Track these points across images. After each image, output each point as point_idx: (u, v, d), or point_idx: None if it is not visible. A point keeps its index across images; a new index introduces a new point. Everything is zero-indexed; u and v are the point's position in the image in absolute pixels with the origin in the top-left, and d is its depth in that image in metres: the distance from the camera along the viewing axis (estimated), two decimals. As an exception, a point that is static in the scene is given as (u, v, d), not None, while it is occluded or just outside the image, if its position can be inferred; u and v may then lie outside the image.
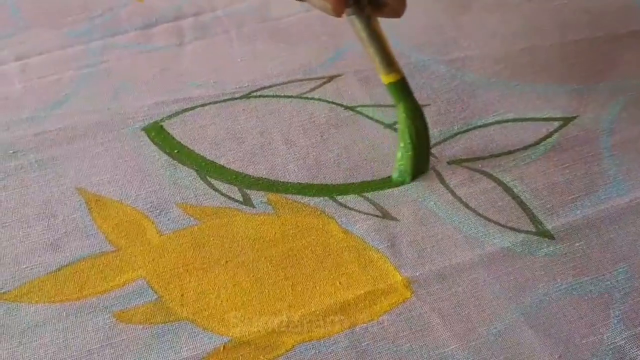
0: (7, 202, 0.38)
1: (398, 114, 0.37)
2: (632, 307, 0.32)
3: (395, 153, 0.38)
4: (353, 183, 0.38)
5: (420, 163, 0.38)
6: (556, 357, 0.31)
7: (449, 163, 0.39)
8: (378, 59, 0.35)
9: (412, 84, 0.42)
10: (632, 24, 0.46)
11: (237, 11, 0.50)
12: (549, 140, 0.39)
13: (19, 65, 0.46)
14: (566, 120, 0.40)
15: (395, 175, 0.38)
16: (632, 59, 0.44)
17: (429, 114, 0.41)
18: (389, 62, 0.35)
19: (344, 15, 0.35)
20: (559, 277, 0.33)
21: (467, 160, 0.39)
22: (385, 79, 0.36)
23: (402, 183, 0.38)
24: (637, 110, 0.40)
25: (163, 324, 0.33)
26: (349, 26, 0.47)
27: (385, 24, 0.46)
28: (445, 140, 0.40)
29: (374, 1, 0.35)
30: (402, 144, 0.37)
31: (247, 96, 0.43)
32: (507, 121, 0.41)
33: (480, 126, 0.40)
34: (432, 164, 0.38)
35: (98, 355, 0.32)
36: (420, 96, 0.42)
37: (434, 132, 0.40)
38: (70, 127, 0.42)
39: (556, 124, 0.40)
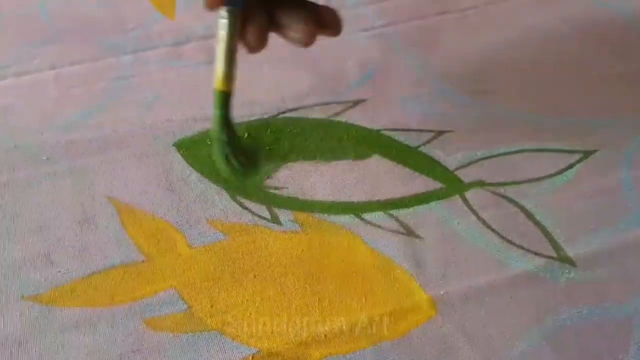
0: (40, 207, 0.39)
1: (212, 121, 0.37)
2: (651, 336, 0.33)
3: None
4: (378, 200, 0.39)
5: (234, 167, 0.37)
6: (577, 380, 0.32)
7: (472, 186, 0.40)
8: (223, 66, 0.37)
9: (437, 110, 0.43)
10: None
11: (265, 33, 0.51)
12: (570, 171, 0.40)
13: (53, 73, 0.47)
14: (587, 153, 0.41)
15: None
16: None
17: (452, 140, 0.42)
18: (230, 74, 0.37)
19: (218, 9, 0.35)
20: (580, 302, 0.34)
21: (490, 184, 0.40)
22: (221, 85, 0.37)
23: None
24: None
25: (192, 333, 0.34)
26: (375, 52, 0.49)
27: (418, 51, 0.48)
28: (468, 164, 0.41)
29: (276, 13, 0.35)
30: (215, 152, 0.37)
31: (275, 117, 0.44)
32: (528, 151, 0.42)
33: (502, 154, 0.41)
34: (455, 186, 0.39)
35: (129, 360, 0.33)
36: (444, 122, 0.43)
37: (457, 156, 0.41)
38: (102, 137, 0.43)
39: (577, 156, 0.41)
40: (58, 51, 0.49)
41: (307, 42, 0.36)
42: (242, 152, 0.37)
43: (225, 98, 0.37)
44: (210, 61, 0.48)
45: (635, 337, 0.33)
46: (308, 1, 0.36)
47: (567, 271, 0.36)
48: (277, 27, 0.36)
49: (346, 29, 0.50)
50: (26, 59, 0.48)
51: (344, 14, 0.51)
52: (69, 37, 0.50)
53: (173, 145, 0.42)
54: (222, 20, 0.36)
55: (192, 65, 0.48)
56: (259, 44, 0.37)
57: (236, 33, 0.36)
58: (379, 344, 0.33)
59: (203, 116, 0.44)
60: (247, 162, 0.37)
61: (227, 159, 0.37)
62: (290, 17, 0.36)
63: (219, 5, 0.35)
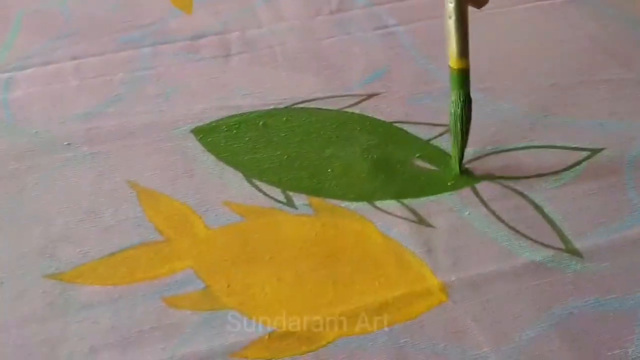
0: (62, 191, 0.40)
1: (452, 100, 0.39)
2: (654, 326, 0.34)
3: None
4: (391, 189, 0.40)
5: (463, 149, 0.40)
6: (583, 364, 0.33)
7: (483, 178, 0.41)
8: (456, 44, 0.38)
9: (447, 105, 0.44)
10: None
11: (281, 29, 0.52)
12: (577, 167, 0.41)
13: (74, 64, 0.48)
14: (594, 152, 0.42)
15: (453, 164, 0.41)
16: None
17: (464, 135, 0.43)
18: (464, 49, 0.38)
19: None
20: (587, 293, 0.35)
21: (500, 177, 0.41)
22: (455, 63, 0.39)
23: (454, 172, 0.41)
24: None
25: (211, 311, 0.35)
26: (387, 50, 0.50)
27: (430, 51, 0.49)
28: (478, 158, 0.42)
29: None
30: (453, 133, 0.40)
31: (290, 107, 0.45)
32: (537, 147, 0.43)
33: (511, 149, 0.43)
34: (466, 179, 0.41)
35: (148, 336, 0.34)
36: (455, 118, 0.44)
37: (469, 151, 0.42)
38: (122, 124, 0.44)
39: (584, 153, 0.42)
40: (78, 44, 0.50)
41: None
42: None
43: (464, 75, 0.39)
44: (227, 54, 0.50)
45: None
46: None
47: (574, 263, 0.37)
48: None
49: (359, 27, 0.52)
50: (48, 50, 0.50)
51: (357, 13, 0.54)
52: (88, 31, 0.52)
53: (191, 132, 0.43)
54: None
55: (208, 59, 0.49)
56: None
57: (465, 9, 0.38)
58: (392, 325, 0.34)
59: (219, 106, 0.45)
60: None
61: (463, 136, 0.40)
62: None
63: None
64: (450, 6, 0.38)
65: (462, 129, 0.40)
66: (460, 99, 0.39)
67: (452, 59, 0.39)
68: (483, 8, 0.40)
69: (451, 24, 0.38)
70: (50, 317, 0.34)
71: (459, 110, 0.39)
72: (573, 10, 0.53)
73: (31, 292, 0.35)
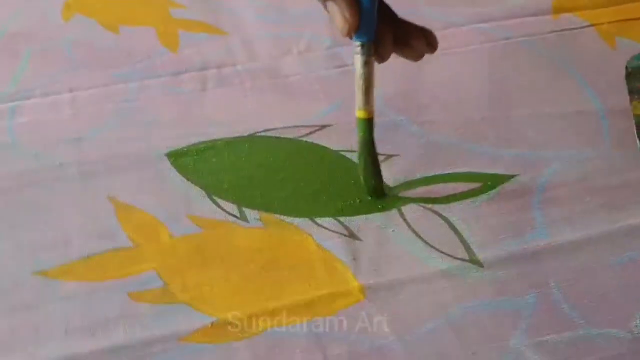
0: (52, 204, 0.48)
1: (358, 145, 0.46)
2: (534, 324, 0.41)
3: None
4: (330, 208, 0.47)
5: (373, 185, 0.47)
6: (470, 353, 0.39)
7: (408, 202, 0.48)
8: (360, 94, 0.43)
9: (388, 137, 0.51)
10: (579, 104, 0.55)
11: (253, 68, 0.59)
12: (492, 191, 0.48)
13: (70, 96, 0.56)
14: (508, 177, 0.49)
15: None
16: (573, 134, 0.53)
17: (398, 163, 0.50)
18: (367, 100, 0.44)
19: (351, 38, 0.41)
20: (482, 295, 0.42)
21: (424, 201, 0.48)
22: (360, 114, 0.44)
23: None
24: (566, 175, 0.49)
25: (166, 304, 0.42)
26: (344, 86, 0.57)
27: (381, 87, 0.56)
28: (408, 183, 0.49)
29: (399, 39, 0.42)
30: (359, 168, 0.47)
31: (252, 136, 0.53)
32: (460, 174, 0.50)
33: (438, 176, 0.49)
34: (395, 202, 0.48)
35: (114, 322, 0.41)
36: (392, 148, 0.51)
37: (400, 178, 0.49)
38: (107, 148, 0.51)
39: (500, 179, 0.49)
40: (76, 78, 0.58)
41: (420, 58, 0.44)
42: (378, 172, 0.47)
43: (368, 123, 0.45)
44: (204, 89, 0.57)
45: (522, 325, 0.41)
46: (414, 24, 0.44)
47: (474, 270, 0.43)
48: (399, 46, 0.43)
49: (321, 65, 0.60)
50: (49, 83, 0.57)
51: (321, 53, 0.61)
52: (86, 66, 0.59)
53: (165, 155, 0.51)
54: (356, 55, 0.42)
55: (188, 92, 0.57)
56: (387, 58, 0.44)
57: (371, 63, 0.42)
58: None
59: (192, 133, 0.52)
60: (379, 180, 0.47)
61: (368, 175, 0.47)
62: (411, 38, 0.43)
63: (351, 36, 0.41)
64: (359, 70, 0.42)
65: (372, 167, 0.47)
66: (363, 145, 0.46)
67: (357, 109, 0.44)
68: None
69: (360, 82, 0.43)
70: (34, 306, 0.42)
71: (365, 154, 0.46)
72: (512, 51, 0.60)
73: (20, 286, 0.43)
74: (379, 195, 0.48)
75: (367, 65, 0.42)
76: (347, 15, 0.39)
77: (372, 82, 0.43)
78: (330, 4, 0.40)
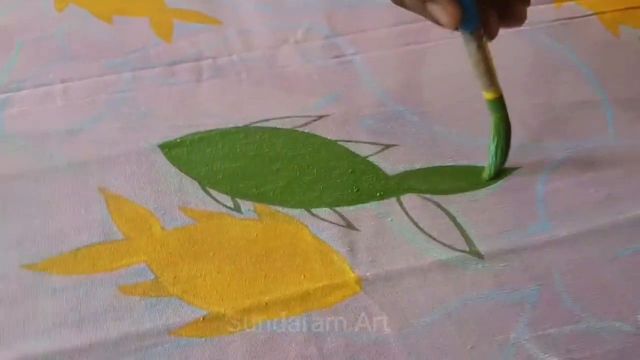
0: (42, 196, 0.46)
1: (493, 124, 0.45)
2: (536, 317, 0.40)
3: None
4: (326, 198, 0.46)
5: (499, 164, 0.47)
6: (469, 347, 0.38)
7: (407, 191, 0.46)
8: (483, 78, 0.43)
9: (388, 127, 0.50)
10: (582, 94, 0.54)
11: (249, 58, 0.58)
12: (494, 183, 0.47)
13: (62, 87, 0.55)
14: (511, 170, 0.48)
15: (484, 174, 0.47)
16: (576, 124, 0.51)
17: (397, 153, 0.49)
18: (492, 81, 0.44)
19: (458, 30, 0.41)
20: (482, 287, 0.41)
21: (424, 191, 0.46)
22: (487, 95, 0.44)
23: (487, 179, 0.47)
24: (570, 167, 0.48)
25: (157, 297, 0.41)
26: (343, 76, 0.56)
27: (380, 77, 0.55)
28: (407, 173, 0.48)
29: (501, 12, 0.42)
30: (492, 149, 0.46)
31: (248, 126, 0.51)
32: (461, 166, 0.48)
33: (438, 167, 0.48)
34: (393, 191, 0.46)
35: (103, 316, 0.40)
36: (392, 138, 0.50)
37: (399, 167, 0.48)
38: (98, 140, 0.50)
39: (503, 171, 0.48)
40: (68, 69, 0.57)
41: (524, 21, 0.44)
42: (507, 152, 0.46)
43: (500, 102, 0.45)
44: (199, 79, 0.56)
45: (524, 318, 0.39)
46: None
47: (475, 262, 0.42)
48: (503, 21, 0.43)
49: (319, 55, 0.58)
50: (41, 74, 0.56)
51: (319, 43, 0.60)
52: (79, 57, 0.58)
53: (158, 146, 0.50)
54: (468, 43, 0.42)
55: (182, 83, 0.56)
56: (496, 34, 0.43)
57: (484, 46, 0.43)
58: (310, 312, 0.40)
59: (186, 124, 0.51)
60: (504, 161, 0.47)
61: (500, 155, 0.46)
62: (513, 7, 0.43)
63: (456, 27, 0.41)
64: (475, 56, 0.43)
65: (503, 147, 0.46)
66: (499, 124, 0.45)
67: (484, 91, 0.44)
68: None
69: (480, 66, 0.43)
70: (21, 299, 0.41)
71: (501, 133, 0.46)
72: (515, 41, 0.59)
73: (8, 279, 0.42)
74: (497, 176, 0.47)
75: (481, 49, 0.42)
76: (450, 10, 0.39)
77: (491, 62, 0.43)
78: (429, 4, 0.40)
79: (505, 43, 0.58)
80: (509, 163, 0.48)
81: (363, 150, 0.50)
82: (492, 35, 0.43)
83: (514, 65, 0.56)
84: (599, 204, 0.46)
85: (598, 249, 0.43)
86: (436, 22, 0.41)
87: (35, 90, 0.55)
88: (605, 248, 0.43)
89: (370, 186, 0.47)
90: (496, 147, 0.46)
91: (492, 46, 0.57)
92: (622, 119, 0.52)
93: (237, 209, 0.46)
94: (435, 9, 0.40)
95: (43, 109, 0.53)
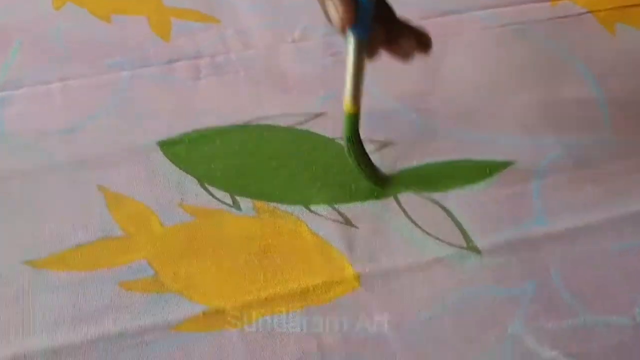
0: (42, 194, 0.47)
1: (344, 136, 0.45)
2: (533, 311, 0.40)
3: None
4: (325, 196, 0.46)
5: (372, 179, 0.46)
6: (467, 341, 0.39)
7: (405, 189, 0.47)
8: (349, 88, 0.43)
9: (386, 125, 0.51)
10: (578, 91, 0.54)
11: (247, 56, 0.58)
12: (489, 179, 0.47)
13: (62, 85, 0.55)
14: (507, 164, 0.48)
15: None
16: (572, 120, 0.52)
17: (395, 151, 0.50)
18: (356, 94, 0.43)
19: (345, 33, 0.41)
20: (479, 282, 0.41)
21: (421, 188, 0.47)
22: (348, 108, 0.44)
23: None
24: (566, 162, 0.48)
25: (157, 293, 0.41)
26: (340, 74, 0.56)
27: (376, 75, 0.55)
28: (404, 171, 0.48)
29: (392, 37, 0.42)
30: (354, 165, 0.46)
31: (246, 124, 0.52)
32: (458, 161, 0.49)
33: (434, 163, 0.49)
34: (391, 189, 0.47)
35: (104, 312, 0.40)
36: (390, 135, 0.51)
37: (397, 165, 0.48)
38: (98, 138, 0.50)
39: (498, 166, 0.48)
40: (67, 67, 0.57)
41: (410, 58, 0.45)
42: (368, 162, 0.46)
43: (355, 119, 0.44)
44: (197, 78, 0.57)
45: (520, 312, 0.40)
46: (409, 25, 0.44)
47: (472, 258, 0.42)
48: (389, 45, 0.43)
49: (317, 54, 0.59)
50: (40, 73, 0.56)
51: (317, 42, 0.60)
52: (77, 56, 0.58)
53: (157, 144, 0.50)
54: (349, 49, 0.42)
55: (181, 81, 0.56)
56: (375, 55, 0.44)
57: (362, 59, 0.42)
58: (308, 307, 0.40)
59: (184, 122, 0.51)
60: (373, 172, 0.46)
61: (359, 167, 0.45)
62: (402, 38, 0.43)
63: (345, 31, 0.41)
64: (353, 60, 0.42)
65: (359, 165, 0.46)
66: (350, 142, 0.45)
67: (345, 103, 0.43)
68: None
69: (351, 70, 0.42)
70: (22, 296, 0.41)
71: (352, 149, 0.45)
72: (511, 39, 0.59)
73: (8, 275, 0.42)
74: (384, 183, 0.47)
75: (359, 59, 0.42)
76: (341, 11, 0.39)
77: (362, 76, 0.43)
78: (327, 1, 0.40)
79: (502, 41, 0.59)
80: (504, 157, 0.48)
81: (361, 148, 0.50)
82: (371, 53, 0.43)
83: (509, 62, 0.57)
84: (595, 199, 0.46)
85: (595, 244, 0.44)
86: (328, 19, 0.40)
87: (34, 89, 0.55)
88: (602, 243, 0.44)
89: (368, 184, 0.47)
90: (358, 165, 0.46)
91: (488, 44, 0.58)
92: (618, 116, 0.52)
93: (236, 206, 0.46)
94: (330, 6, 0.40)
95: (42, 108, 0.53)
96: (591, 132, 0.51)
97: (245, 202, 0.46)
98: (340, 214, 0.45)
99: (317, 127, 0.52)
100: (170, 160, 0.49)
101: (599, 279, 0.42)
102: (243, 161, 0.49)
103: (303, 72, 0.57)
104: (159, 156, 0.49)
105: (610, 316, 0.40)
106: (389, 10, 0.44)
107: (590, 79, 0.55)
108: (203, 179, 0.48)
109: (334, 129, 0.51)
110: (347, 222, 0.45)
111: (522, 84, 0.55)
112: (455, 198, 0.46)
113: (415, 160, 0.49)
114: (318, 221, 0.45)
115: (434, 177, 0.47)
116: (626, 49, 0.57)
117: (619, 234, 0.44)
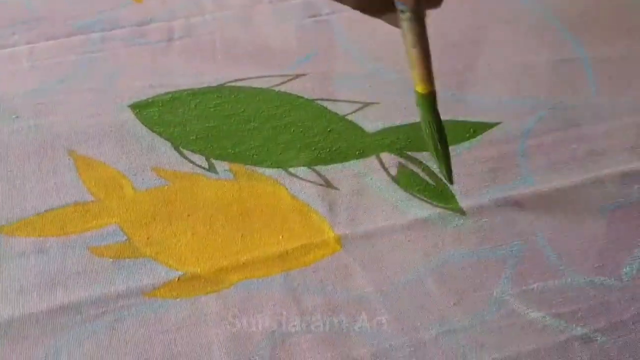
0: (8, 157, 0.45)
1: (422, 124, 0.41)
2: (519, 272, 0.39)
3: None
4: (304, 157, 0.45)
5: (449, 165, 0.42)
6: (451, 303, 0.37)
7: (387, 149, 0.45)
8: (420, 66, 0.38)
9: (366, 84, 0.49)
10: (563, 52, 0.53)
11: (222, 17, 0.56)
12: (474, 139, 0.46)
13: (28, 47, 0.53)
14: (492, 125, 0.47)
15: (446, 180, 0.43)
16: (557, 81, 0.50)
17: (377, 110, 0.48)
18: (429, 72, 0.38)
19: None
20: (464, 244, 0.40)
21: (403, 147, 0.45)
22: (422, 88, 0.39)
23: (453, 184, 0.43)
24: (551, 122, 0.47)
25: (129, 259, 0.39)
26: (320, 36, 0.55)
27: (356, 36, 0.54)
28: (386, 130, 0.46)
29: None
30: (434, 155, 0.42)
31: (222, 86, 0.50)
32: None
33: (418, 123, 0.47)
34: (373, 149, 0.45)
35: (74, 278, 0.38)
36: (372, 96, 0.49)
37: (378, 125, 0.47)
38: (66, 100, 0.48)
39: (483, 126, 0.47)
40: (35, 30, 0.55)
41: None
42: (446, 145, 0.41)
43: (432, 99, 0.39)
44: (170, 39, 0.54)
45: (507, 273, 0.39)
46: None
47: (456, 219, 0.41)
48: None
49: (295, 15, 0.57)
50: (6, 36, 0.54)
51: (295, 2, 0.58)
52: (46, 19, 0.56)
53: (129, 106, 0.48)
54: (409, 24, 0.37)
55: (152, 43, 0.54)
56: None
57: (425, 32, 0.37)
58: (288, 271, 0.38)
59: (157, 84, 0.49)
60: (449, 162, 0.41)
61: (438, 152, 0.41)
62: None
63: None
64: (411, 37, 0.37)
65: (440, 149, 0.41)
66: (429, 125, 0.40)
67: (417, 83, 0.38)
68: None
69: (414, 52, 0.37)
70: (-12, 263, 0.39)
71: (431, 134, 0.40)
72: (493, 0, 0.57)
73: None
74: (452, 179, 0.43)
75: (422, 33, 0.37)
76: None
77: (429, 50, 0.38)
78: None
79: (484, 3, 0.57)
80: (489, 118, 0.47)
81: (341, 109, 0.48)
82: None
83: (492, 25, 0.55)
84: (581, 159, 0.45)
85: (581, 204, 0.43)
86: None
87: (0, 52, 0.53)
88: (588, 203, 0.43)
89: (349, 144, 0.45)
90: (435, 152, 0.41)
91: (473, 6, 0.57)
92: (603, 76, 0.51)
93: (212, 169, 0.44)
94: None
95: (8, 71, 0.51)
96: (576, 93, 0.50)
97: (221, 166, 0.44)
98: (320, 175, 0.44)
99: (296, 89, 0.50)
100: (143, 123, 0.47)
101: (586, 240, 0.41)
102: (219, 123, 0.47)
103: (281, 33, 0.55)
104: (131, 119, 0.47)
105: (597, 276, 0.39)
106: None
107: (574, 39, 0.54)
108: (177, 142, 0.46)
109: (314, 90, 0.50)
110: (328, 183, 0.43)
111: (505, 46, 0.53)
112: (439, 158, 0.45)
113: (398, 121, 0.47)
114: (297, 183, 0.43)
115: (417, 137, 0.46)
116: (609, 8, 0.56)
117: (605, 194, 0.43)
